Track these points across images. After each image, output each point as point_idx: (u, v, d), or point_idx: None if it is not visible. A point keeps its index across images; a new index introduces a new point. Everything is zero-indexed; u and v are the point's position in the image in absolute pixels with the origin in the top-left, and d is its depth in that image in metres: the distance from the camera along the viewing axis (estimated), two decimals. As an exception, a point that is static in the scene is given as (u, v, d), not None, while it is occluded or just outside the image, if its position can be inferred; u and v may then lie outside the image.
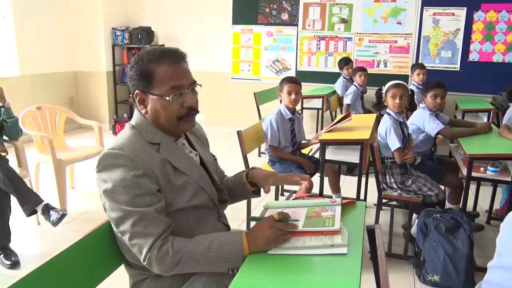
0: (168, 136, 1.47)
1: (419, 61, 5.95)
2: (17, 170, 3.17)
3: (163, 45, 7.11)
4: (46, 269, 1.24)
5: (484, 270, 1.49)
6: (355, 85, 5.28)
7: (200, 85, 1.49)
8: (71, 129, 6.52)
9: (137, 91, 1.42)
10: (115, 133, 6.67)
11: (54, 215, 3.00)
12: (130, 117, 7.13)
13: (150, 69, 1.39)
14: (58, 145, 3.91)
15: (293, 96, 3.33)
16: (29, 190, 3.06)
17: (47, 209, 3.03)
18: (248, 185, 1.68)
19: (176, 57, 1.42)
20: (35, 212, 3.05)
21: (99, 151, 3.98)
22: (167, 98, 1.39)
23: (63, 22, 6.68)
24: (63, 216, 3.03)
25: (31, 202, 2.99)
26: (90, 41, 6.91)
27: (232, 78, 6.98)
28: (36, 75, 6.30)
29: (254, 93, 5.49)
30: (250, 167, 1.75)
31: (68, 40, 6.81)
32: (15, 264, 2.86)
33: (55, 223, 3.01)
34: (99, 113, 7.08)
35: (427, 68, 5.28)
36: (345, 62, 5.81)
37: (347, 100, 5.18)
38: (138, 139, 1.40)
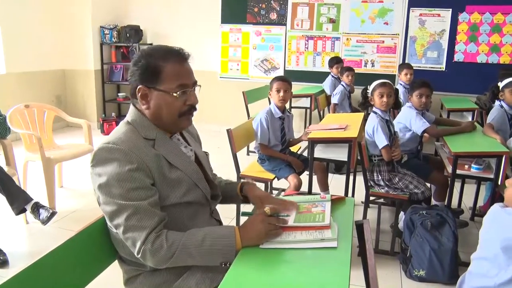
0: (163, 132, 1.49)
1: (406, 61, 6.03)
2: (5, 168, 3.15)
3: (151, 44, 7.11)
4: (38, 267, 1.25)
5: (467, 264, 1.54)
6: (342, 85, 5.33)
7: (200, 86, 1.53)
8: (59, 128, 6.48)
9: (140, 86, 1.43)
10: (103, 131, 6.64)
11: (43, 214, 3.00)
12: (118, 116, 7.13)
13: (158, 65, 1.41)
14: (46, 144, 3.89)
15: (281, 94, 3.36)
16: (18, 188, 3.05)
17: (37, 207, 3.02)
18: (240, 196, 1.73)
19: (183, 56, 1.46)
20: (24, 210, 3.04)
21: (88, 149, 3.98)
22: (174, 94, 1.42)
23: (51, 20, 6.62)
24: (53, 214, 3.03)
25: (20, 201, 2.98)
26: (78, 40, 6.86)
27: (220, 77, 7.00)
28: (22, 73, 6.24)
29: (243, 92, 5.52)
30: (245, 181, 1.78)
31: (55, 38, 6.75)
32: (3, 263, 2.84)
33: (44, 222, 3.00)
34: (87, 112, 7.04)
35: (413, 68, 5.35)
36: (335, 61, 5.86)
37: (334, 100, 5.23)
38: (133, 135, 1.42)
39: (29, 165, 3.78)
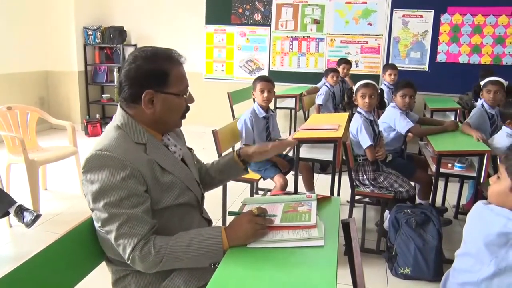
0: (154, 135, 1.49)
1: (389, 62, 6.09)
2: (-12, 171, 3.11)
3: (135, 45, 7.06)
4: (23, 271, 1.24)
5: (452, 262, 1.56)
6: (326, 86, 5.36)
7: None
8: (42, 130, 6.40)
9: (148, 91, 1.40)
10: (87, 133, 6.58)
11: (28, 216, 2.96)
12: (102, 117, 7.07)
13: (164, 69, 1.42)
14: (30, 146, 3.84)
15: (265, 94, 3.38)
16: (1, 191, 3.01)
17: (21, 210, 2.98)
18: (240, 164, 1.75)
19: (181, 58, 1.49)
20: (7, 213, 3.00)
21: (72, 151, 3.94)
22: (184, 96, 1.48)
23: (33, 20, 6.53)
24: (37, 217, 2.99)
25: (4, 204, 2.94)
26: (60, 40, 6.78)
27: (205, 78, 6.99)
28: (4, 75, 6.13)
29: (228, 93, 5.52)
30: (237, 149, 1.81)
31: (37, 39, 6.66)
32: (-13, 267, 2.81)
33: (29, 225, 2.96)
34: (71, 114, 6.96)
35: (397, 68, 5.41)
36: (343, 61, 5.85)
37: (318, 101, 5.26)
38: (125, 140, 1.41)
39: (12, 167, 3.74)
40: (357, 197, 3.24)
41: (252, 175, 3.41)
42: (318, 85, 5.82)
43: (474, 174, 3.07)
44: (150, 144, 1.46)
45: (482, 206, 1.27)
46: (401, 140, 3.52)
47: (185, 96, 1.48)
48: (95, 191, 1.34)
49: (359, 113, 3.20)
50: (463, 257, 1.33)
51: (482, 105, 3.62)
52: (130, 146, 1.40)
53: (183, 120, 1.56)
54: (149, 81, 1.41)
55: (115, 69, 7.03)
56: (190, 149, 1.74)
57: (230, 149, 5.26)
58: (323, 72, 5.85)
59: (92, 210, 1.40)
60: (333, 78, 5.35)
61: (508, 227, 1.15)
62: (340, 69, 5.72)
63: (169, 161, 1.49)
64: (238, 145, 3.63)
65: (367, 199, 3.58)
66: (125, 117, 1.46)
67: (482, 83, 3.65)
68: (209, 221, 1.70)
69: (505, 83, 3.57)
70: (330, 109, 5.32)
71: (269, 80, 3.44)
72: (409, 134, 3.50)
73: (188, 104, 1.53)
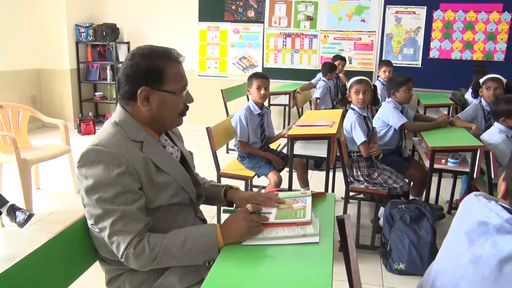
0: (151, 134, 1.48)
1: (383, 58, 6.11)
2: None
3: (128, 43, 7.03)
4: (16, 271, 1.22)
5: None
6: (324, 80, 5.37)
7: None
8: (35, 128, 6.35)
9: (144, 88, 1.39)
10: (80, 131, 6.54)
11: (20, 216, 2.94)
12: (95, 116, 7.03)
13: (160, 66, 1.41)
14: (22, 145, 3.81)
15: (262, 91, 3.38)
16: (-7, 191, 2.98)
17: (13, 210, 2.96)
18: (224, 202, 1.74)
19: (180, 57, 1.48)
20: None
21: (65, 150, 3.91)
22: (182, 94, 1.45)
23: (24, 17, 6.46)
24: (30, 216, 2.97)
25: (-4, 203, 2.91)
26: (52, 38, 6.73)
27: (199, 75, 6.97)
28: (-5, 73, 6.09)
29: (221, 90, 5.51)
30: (228, 184, 1.77)
31: (29, 37, 6.59)
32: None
33: (21, 224, 2.94)
34: (64, 112, 6.92)
35: (391, 65, 5.42)
36: (339, 57, 5.87)
37: (316, 94, 5.27)
38: (122, 137, 1.40)
39: (4, 166, 3.70)
40: (351, 194, 3.24)
41: (246, 172, 3.40)
42: (313, 81, 5.83)
43: (468, 170, 3.08)
44: (147, 142, 1.45)
45: (472, 197, 1.28)
46: (396, 137, 3.51)
47: (182, 94, 1.46)
48: (89, 186, 1.33)
49: (353, 109, 3.20)
50: (445, 246, 1.35)
51: (480, 102, 3.64)
52: (126, 143, 1.39)
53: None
54: (145, 78, 1.40)
55: (108, 67, 6.99)
56: (190, 153, 1.74)
57: (224, 147, 5.29)
58: (317, 69, 5.86)
59: (85, 206, 1.38)
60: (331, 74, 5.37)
61: (488, 217, 1.16)
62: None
63: (165, 160, 1.48)
64: (232, 142, 3.63)
65: (361, 195, 3.58)
66: (123, 114, 1.45)
67: (481, 80, 3.67)
68: (203, 221, 1.68)
69: (504, 80, 3.59)
70: (327, 103, 5.32)
71: (265, 77, 3.45)
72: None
73: (190, 103, 1.52)
